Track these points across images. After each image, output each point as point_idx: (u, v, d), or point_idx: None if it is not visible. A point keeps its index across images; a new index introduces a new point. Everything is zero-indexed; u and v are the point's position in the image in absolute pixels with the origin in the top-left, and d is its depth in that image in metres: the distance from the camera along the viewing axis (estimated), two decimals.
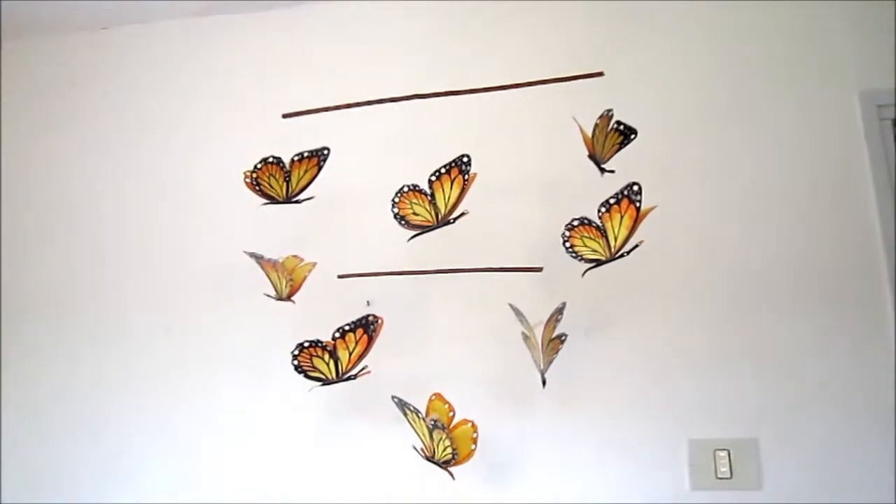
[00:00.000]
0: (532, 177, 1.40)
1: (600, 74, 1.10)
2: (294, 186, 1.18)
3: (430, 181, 1.11)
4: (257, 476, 1.40)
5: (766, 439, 1.27)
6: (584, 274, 1.08)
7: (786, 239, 1.34)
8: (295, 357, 1.10)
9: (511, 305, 1.14)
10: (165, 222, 1.56)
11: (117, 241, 1.57)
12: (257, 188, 1.15)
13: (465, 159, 1.10)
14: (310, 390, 1.13)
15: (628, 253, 1.05)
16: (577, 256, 1.06)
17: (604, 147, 1.07)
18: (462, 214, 1.12)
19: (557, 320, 1.12)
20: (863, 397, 1.26)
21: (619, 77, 1.38)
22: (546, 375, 1.10)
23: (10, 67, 1.72)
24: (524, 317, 1.12)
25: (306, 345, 1.10)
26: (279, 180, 1.17)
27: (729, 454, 1.26)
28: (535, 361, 1.11)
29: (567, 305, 1.13)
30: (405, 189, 1.12)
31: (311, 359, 1.11)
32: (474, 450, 1.05)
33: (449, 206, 1.11)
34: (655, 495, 1.27)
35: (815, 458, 1.25)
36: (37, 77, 1.71)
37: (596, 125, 1.06)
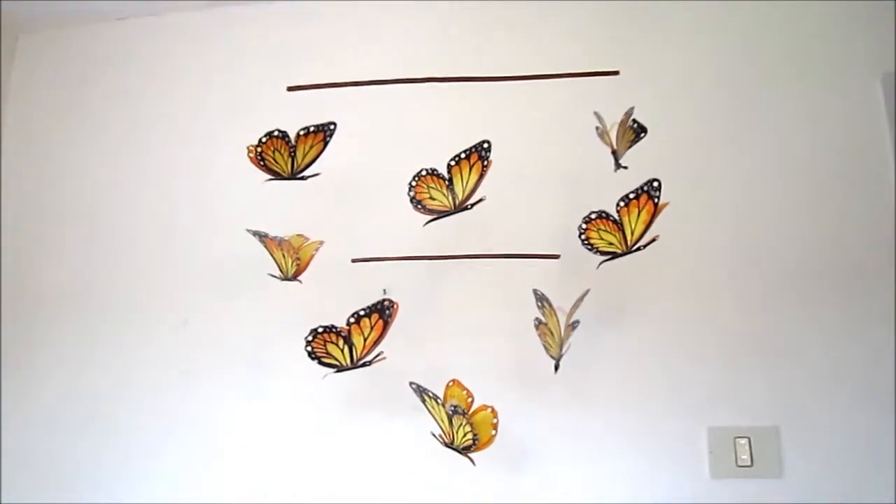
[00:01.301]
0: (550, 166, 1.40)
1: (616, 73, 1.12)
2: (299, 162, 1.16)
3: (449, 166, 1.11)
4: (274, 469, 1.40)
5: (787, 427, 1.26)
6: (598, 266, 1.10)
7: (805, 228, 1.34)
8: (308, 343, 1.07)
9: (536, 291, 1.14)
10: (180, 214, 1.56)
11: (131, 234, 1.57)
12: (262, 163, 1.12)
13: (485, 145, 1.11)
14: (324, 377, 1.10)
15: (644, 247, 1.07)
16: (593, 249, 1.08)
17: (621, 143, 1.09)
18: (480, 201, 1.12)
19: (577, 307, 1.13)
20: (885, 385, 1.25)
21: (638, 66, 1.41)
22: (560, 363, 1.11)
23: (26, 60, 1.73)
24: (549, 302, 1.12)
25: (320, 330, 1.08)
26: (284, 155, 1.14)
27: (749, 442, 1.26)
28: (545, 347, 1.12)
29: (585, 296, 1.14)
30: (423, 173, 1.12)
31: (325, 345, 1.08)
32: (494, 435, 1.05)
33: (467, 192, 1.12)
34: (675, 483, 1.27)
35: (836, 446, 1.24)
36: (52, 70, 1.71)
37: (622, 122, 1.08)
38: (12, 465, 1.48)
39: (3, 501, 1.44)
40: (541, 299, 1.13)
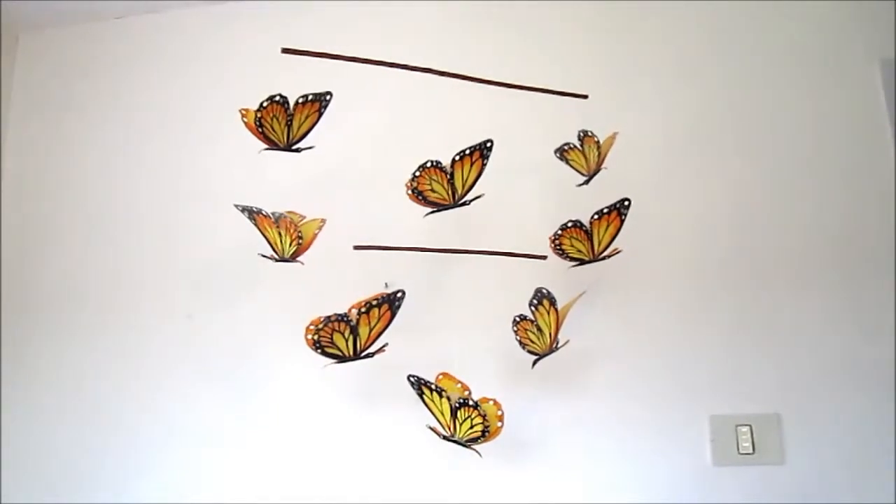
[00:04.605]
0: (548, 164, 1.36)
1: (584, 97, 1.18)
2: (295, 132, 1.11)
3: (453, 161, 1.13)
4: (277, 465, 1.41)
5: (789, 414, 1.27)
6: (569, 268, 1.17)
7: (806, 214, 1.34)
8: (318, 331, 1.04)
9: (541, 289, 1.15)
10: (181, 210, 1.57)
11: (132, 231, 1.58)
12: (259, 130, 1.09)
13: (488, 144, 1.13)
14: (324, 367, 1.06)
15: (607, 257, 1.16)
16: (564, 254, 1.16)
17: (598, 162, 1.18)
18: (478, 197, 1.14)
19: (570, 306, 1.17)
20: (887, 372, 1.25)
21: (638, 54, 1.43)
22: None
23: (26, 59, 1.74)
24: (552, 300, 1.13)
25: (333, 318, 1.04)
26: (281, 123, 1.10)
27: (751, 429, 1.27)
28: (523, 343, 1.15)
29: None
30: (428, 164, 1.13)
31: (332, 334, 1.04)
32: (500, 427, 1.05)
33: (465, 188, 1.14)
34: (677, 471, 1.28)
35: (838, 433, 1.25)
36: (52, 68, 1.73)
37: (605, 146, 1.15)
38: (13, 465, 1.50)
39: (3, 501, 1.42)
40: (542, 298, 1.14)
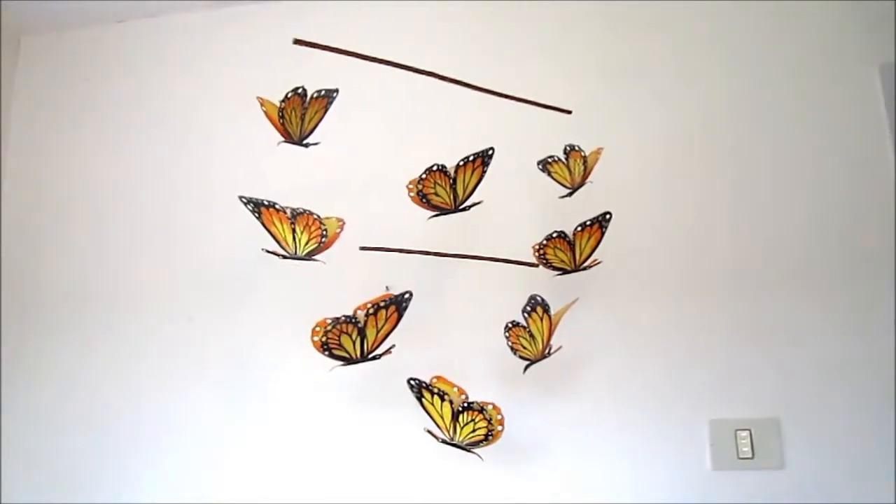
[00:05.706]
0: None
1: (568, 112, 1.20)
2: (305, 126, 1.13)
3: (457, 166, 1.15)
4: (277, 467, 1.41)
5: (788, 419, 1.27)
6: (552, 278, 1.19)
7: (804, 217, 1.34)
8: (325, 333, 1.03)
9: (536, 296, 1.16)
10: (183, 212, 1.57)
11: (134, 234, 1.59)
12: (280, 121, 1.11)
13: (489, 152, 1.15)
14: (331, 369, 1.05)
15: (588, 268, 1.18)
16: (548, 263, 1.18)
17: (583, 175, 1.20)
18: (476, 204, 1.16)
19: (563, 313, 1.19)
20: (886, 377, 1.25)
21: (639, 59, 1.43)
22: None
23: (28, 62, 1.75)
24: (546, 307, 1.14)
25: (342, 319, 1.03)
26: (297, 116, 1.12)
27: (750, 434, 1.27)
28: (514, 349, 1.15)
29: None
30: (434, 168, 1.14)
31: (340, 336, 1.03)
32: (501, 431, 1.06)
33: (466, 194, 1.16)
34: (676, 475, 1.28)
35: (837, 438, 1.26)
36: (54, 71, 1.73)
37: (591, 159, 1.18)
38: (13, 465, 1.50)
39: (3, 502, 1.42)
40: (536, 305, 1.15)
